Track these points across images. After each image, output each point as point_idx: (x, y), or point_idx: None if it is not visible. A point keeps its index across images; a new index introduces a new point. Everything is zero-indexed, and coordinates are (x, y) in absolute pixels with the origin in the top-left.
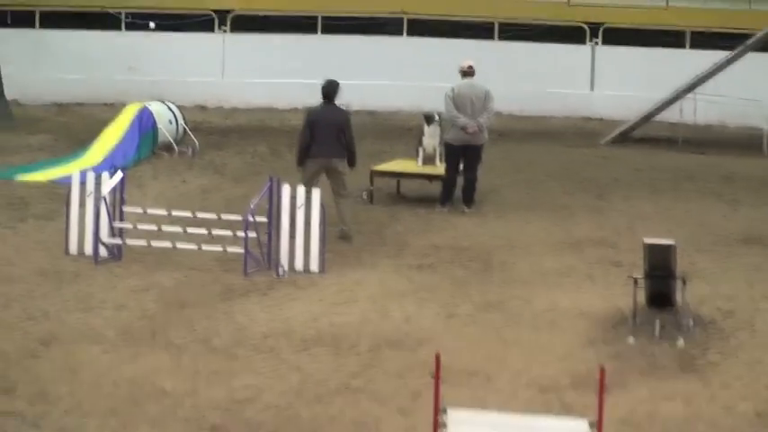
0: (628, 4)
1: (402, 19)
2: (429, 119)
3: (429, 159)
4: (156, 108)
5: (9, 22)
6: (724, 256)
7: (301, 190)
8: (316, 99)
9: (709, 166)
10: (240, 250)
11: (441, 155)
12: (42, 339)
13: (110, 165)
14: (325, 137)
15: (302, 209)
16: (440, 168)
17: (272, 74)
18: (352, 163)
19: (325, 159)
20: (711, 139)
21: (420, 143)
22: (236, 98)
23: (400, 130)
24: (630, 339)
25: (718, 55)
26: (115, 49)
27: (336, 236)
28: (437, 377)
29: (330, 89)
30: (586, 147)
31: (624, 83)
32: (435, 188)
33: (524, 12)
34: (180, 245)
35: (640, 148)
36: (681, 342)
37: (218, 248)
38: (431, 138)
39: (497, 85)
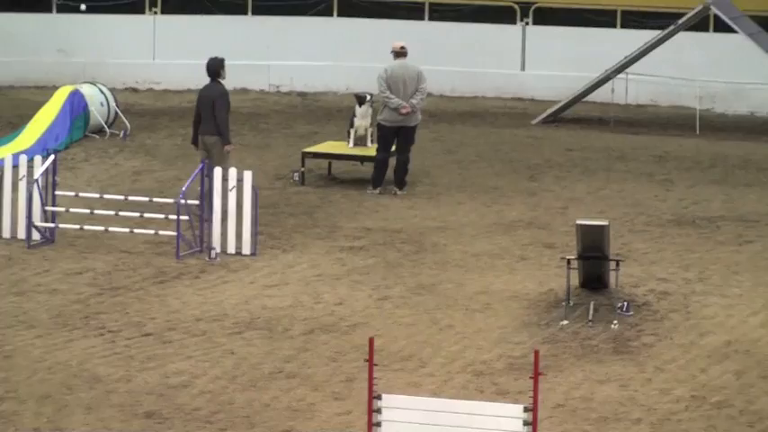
0: None
1: None
2: (361, 99)
3: (360, 141)
4: (88, 90)
5: None
6: (657, 236)
7: (233, 172)
8: (245, 79)
9: (642, 146)
10: (172, 233)
11: (373, 136)
12: None
13: (42, 148)
14: (204, 114)
15: (234, 191)
16: (371, 150)
17: (203, 55)
18: (223, 140)
19: (201, 136)
20: (644, 118)
21: (351, 124)
22: (167, 80)
23: (331, 112)
24: (564, 322)
25: (650, 34)
26: (46, 32)
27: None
28: (371, 362)
29: (210, 67)
30: (518, 127)
31: (555, 63)
32: (367, 170)
33: None
34: (112, 228)
35: (572, 129)
36: (615, 324)
37: (151, 231)
38: (362, 119)
39: (428, 65)
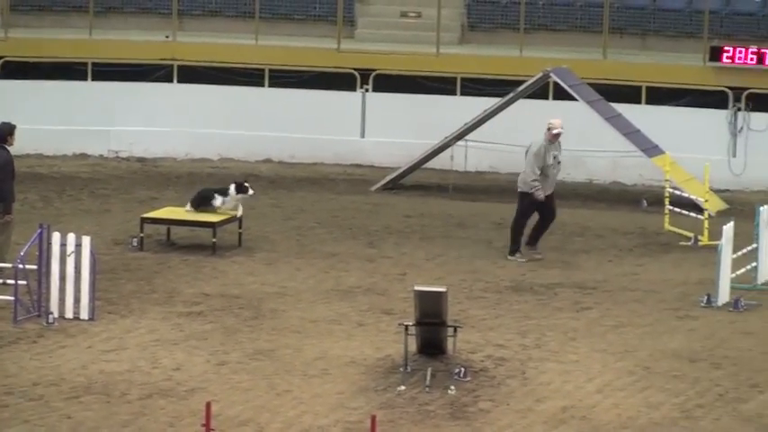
0: (398, 51)
1: (172, 66)
2: (243, 190)
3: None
4: None
5: None
6: (495, 303)
7: (71, 238)
8: (85, 144)
9: (481, 213)
10: (10, 298)
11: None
12: None
13: None
14: None
15: (72, 256)
16: (211, 216)
17: (37, 120)
18: (4, 208)
19: None
20: (483, 186)
21: (209, 196)
22: None
23: (170, 177)
24: (402, 387)
25: (490, 102)
26: None
27: None
28: (208, 427)
29: None
30: (357, 194)
31: (395, 130)
32: (207, 235)
33: (294, 59)
34: None
35: (411, 196)
36: (452, 390)
37: None
38: (230, 204)
39: (268, 131)
